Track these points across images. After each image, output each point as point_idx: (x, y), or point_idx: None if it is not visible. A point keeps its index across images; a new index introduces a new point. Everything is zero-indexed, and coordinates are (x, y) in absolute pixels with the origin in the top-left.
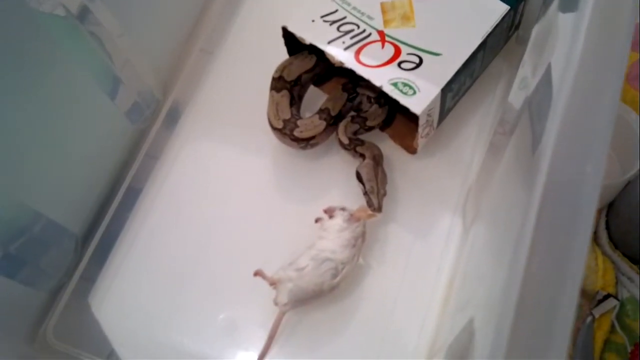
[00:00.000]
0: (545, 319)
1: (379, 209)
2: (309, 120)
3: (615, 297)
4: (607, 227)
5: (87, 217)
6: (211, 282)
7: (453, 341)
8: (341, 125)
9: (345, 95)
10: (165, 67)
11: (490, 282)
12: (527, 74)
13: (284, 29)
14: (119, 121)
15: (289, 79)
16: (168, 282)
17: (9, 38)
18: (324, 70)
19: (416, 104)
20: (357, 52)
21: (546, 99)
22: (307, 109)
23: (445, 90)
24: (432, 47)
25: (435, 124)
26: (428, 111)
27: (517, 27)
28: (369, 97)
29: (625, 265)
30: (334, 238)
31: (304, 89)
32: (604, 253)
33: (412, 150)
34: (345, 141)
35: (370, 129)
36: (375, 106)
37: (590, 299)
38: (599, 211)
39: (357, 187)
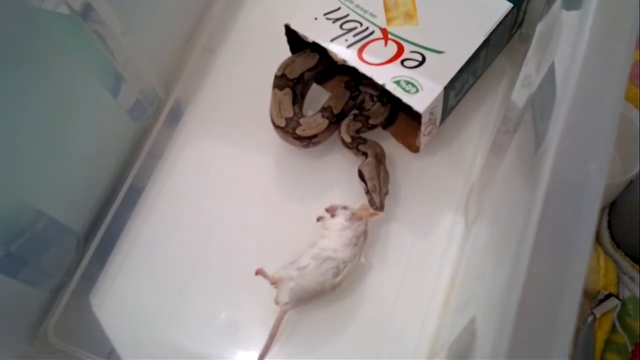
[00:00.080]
0: (547, 319)
1: (381, 207)
2: (312, 119)
3: (617, 297)
4: (609, 227)
5: (89, 216)
6: (212, 281)
7: (454, 341)
8: (344, 124)
9: (348, 93)
10: (168, 65)
11: (492, 282)
12: (530, 72)
13: (287, 27)
14: (121, 119)
15: (291, 77)
16: (169, 282)
17: (11, 36)
18: (326, 68)
19: (419, 102)
20: (360, 50)
21: (549, 97)
22: (309, 107)
23: (448, 89)
24: (435, 45)
25: (437, 122)
26: (431, 109)
27: (520, 25)
28: (371, 95)
29: (626, 265)
30: (335, 237)
31: (306, 87)
32: (605, 252)
33: (414, 148)
34: (348, 139)
35: (373, 127)
36: (377, 104)
37: (591, 298)
38: (601, 210)
39: (359, 186)
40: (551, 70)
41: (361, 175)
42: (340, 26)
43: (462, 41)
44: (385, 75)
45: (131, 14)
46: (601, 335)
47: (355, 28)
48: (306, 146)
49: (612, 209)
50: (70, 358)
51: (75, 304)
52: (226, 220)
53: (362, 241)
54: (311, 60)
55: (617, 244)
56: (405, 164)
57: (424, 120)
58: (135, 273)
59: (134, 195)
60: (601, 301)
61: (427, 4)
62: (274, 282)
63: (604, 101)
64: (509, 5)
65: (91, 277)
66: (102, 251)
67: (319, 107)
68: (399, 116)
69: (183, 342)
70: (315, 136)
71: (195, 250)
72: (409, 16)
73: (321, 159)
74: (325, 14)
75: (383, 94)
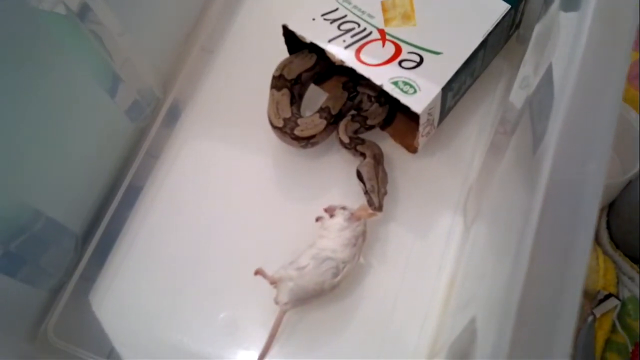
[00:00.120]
0: (548, 319)
1: (379, 208)
2: (310, 119)
3: (617, 297)
4: (608, 227)
5: (87, 215)
6: (211, 281)
7: (454, 341)
8: (342, 124)
9: (346, 94)
10: (166, 65)
11: (492, 282)
12: (528, 73)
13: (285, 28)
14: (119, 119)
15: (289, 77)
16: (168, 281)
17: (9, 36)
18: (324, 68)
19: (417, 102)
20: (358, 51)
21: (547, 98)
22: (307, 107)
23: (445, 89)
24: (433, 45)
25: (435, 123)
26: (429, 110)
27: (517, 26)
28: (369, 96)
29: (626, 265)
30: (334, 237)
31: (304, 87)
32: (604, 253)
33: (412, 149)
34: (346, 140)
35: (371, 127)
36: (375, 105)
37: (591, 298)
38: (600, 211)
39: (357, 186)
40: (549, 72)
41: (359, 176)
42: (338, 27)
43: (459, 42)
44: (383, 76)
45: (129, 14)
46: (601, 335)
47: (353, 29)
48: (304, 147)
49: (611, 210)
50: (71, 358)
51: (74, 303)
52: (225, 220)
53: (361, 241)
54: (309, 60)
55: (616, 244)
56: (404, 164)
57: (422, 121)
58: (134, 273)
59: (133, 195)
60: (601, 301)
61: (425, 5)
62: (274, 282)
63: (602, 102)
64: (507, 6)
65: (90, 277)
66: (101, 251)
67: (317, 107)
68: (397, 117)
69: (183, 341)
70: (313, 137)
71: (194, 250)
72: (407, 17)
73: (319, 160)
74: (323, 15)
75: (381, 94)
